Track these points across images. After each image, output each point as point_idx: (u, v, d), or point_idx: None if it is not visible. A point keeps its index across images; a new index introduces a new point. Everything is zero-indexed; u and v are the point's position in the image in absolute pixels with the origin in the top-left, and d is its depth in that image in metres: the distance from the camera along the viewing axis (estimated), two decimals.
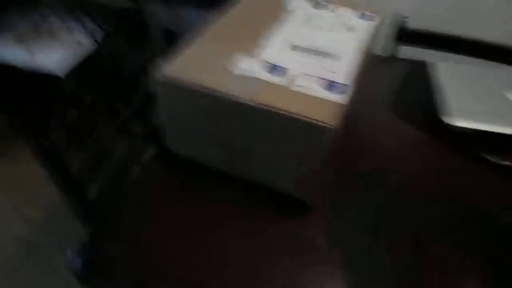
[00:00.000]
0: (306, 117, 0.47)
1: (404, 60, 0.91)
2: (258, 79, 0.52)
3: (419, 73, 0.83)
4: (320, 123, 0.46)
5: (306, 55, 0.58)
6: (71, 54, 1.30)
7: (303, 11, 0.70)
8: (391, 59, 0.96)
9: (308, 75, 0.54)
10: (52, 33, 1.40)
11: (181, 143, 0.62)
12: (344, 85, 0.52)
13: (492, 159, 0.65)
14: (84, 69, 1.27)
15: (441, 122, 0.69)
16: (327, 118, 0.47)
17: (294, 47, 0.59)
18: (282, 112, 0.47)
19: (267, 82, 0.52)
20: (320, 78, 0.53)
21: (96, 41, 1.35)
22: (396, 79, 0.85)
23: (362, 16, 0.68)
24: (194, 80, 0.51)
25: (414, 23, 0.95)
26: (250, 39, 0.60)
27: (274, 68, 0.54)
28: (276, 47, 0.59)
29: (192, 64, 0.55)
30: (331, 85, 0.52)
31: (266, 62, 0.55)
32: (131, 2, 1.44)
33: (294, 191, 0.57)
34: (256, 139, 0.54)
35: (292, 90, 0.51)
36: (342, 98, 0.50)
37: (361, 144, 0.70)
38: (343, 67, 0.56)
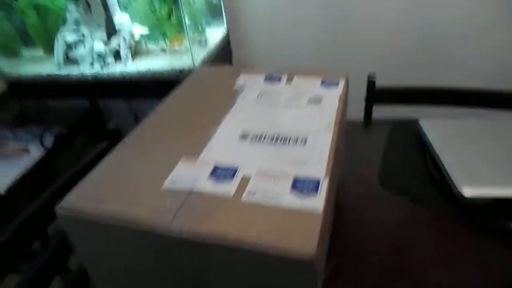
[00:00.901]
0: (272, 248, 0.30)
1: (383, 121, 0.78)
2: (196, 193, 0.37)
3: (405, 135, 0.70)
4: (296, 254, 0.30)
5: (262, 145, 0.43)
6: (15, 167, 1.14)
7: (254, 87, 0.57)
8: (369, 123, 0.83)
9: (267, 174, 0.38)
10: None
11: None
12: (318, 182, 0.37)
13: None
14: (29, 180, 1.11)
15: (449, 194, 0.54)
16: (306, 243, 0.30)
17: (244, 136, 0.45)
18: (234, 244, 0.31)
19: (210, 196, 0.36)
20: (284, 177, 0.38)
21: (46, 148, 1.20)
22: (381, 145, 0.71)
23: (325, 83, 0.56)
24: (102, 209, 0.35)
25: (383, 81, 0.85)
26: (189, 133, 0.46)
27: (217, 173, 0.39)
28: (222, 141, 0.44)
29: (104, 185, 0.39)
30: (301, 185, 0.37)
31: (207, 164, 0.40)
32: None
33: None
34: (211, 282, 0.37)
35: (246, 204, 0.35)
36: (318, 201, 0.34)
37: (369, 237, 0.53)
38: (314, 153, 0.41)
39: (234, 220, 0.33)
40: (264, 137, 0.44)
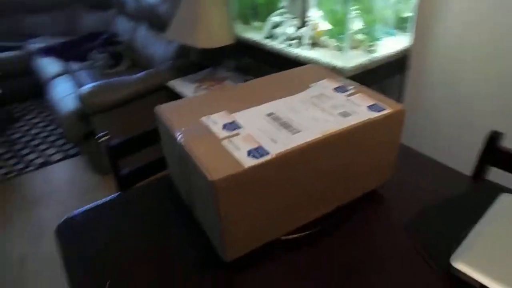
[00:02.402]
0: (203, 168, 0.50)
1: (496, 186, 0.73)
2: (210, 130, 0.58)
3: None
4: (209, 176, 0.49)
5: (271, 123, 0.59)
6: None
7: (321, 89, 0.70)
8: (477, 182, 0.77)
9: (251, 137, 0.56)
10: None
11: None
12: (267, 152, 0.52)
13: None
14: None
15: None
16: (218, 174, 0.48)
17: (270, 114, 0.62)
18: (194, 160, 0.52)
19: (213, 134, 0.57)
20: (255, 142, 0.55)
21: None
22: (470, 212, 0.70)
23: (372, 107, 0.63)
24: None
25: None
26: (247, 101, 0.66)
27: (229, 124, 0.59)
28: (255, 111, 0.63)
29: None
30: (255, 150, 0.53)
31: (231, 119, 0.61)
32: None
33: (217, 246, 0.58)
34: (194, 187, 0.59)
35: (221, 145, 0.55)
36: (252, 162, 0.50)
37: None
38: (289, 140, 0.55)
39: (207, 150, 0.54)
40: (279, 119, 0.60)
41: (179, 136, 0.58)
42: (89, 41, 3.01)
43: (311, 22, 1.25)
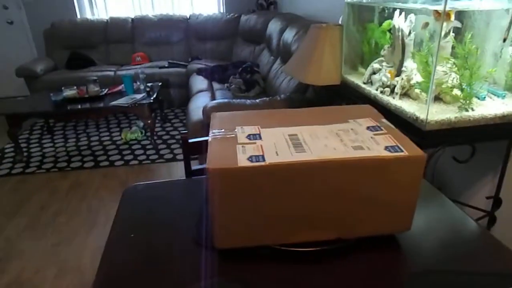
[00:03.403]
0: (208, 158, 0.61)
1: None
2: (235, 135, 0.70)
3: None
4: (207, 164, 0.59)
5: (286, 142, 0.67)
6: None
7: (353, 126, 0.73)
8: None
9: (261, 147, 0.64)
10: None
11: None
12: (263, 160, 0.60)
13: None
14: None
15: None
16: (218, 167, 0.59)
17: (291, 135, 0.69)
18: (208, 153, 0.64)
19: (233, 138, 0.68)
20: (261, 151, 0.63)
21: None
22: None
23: (390, 147, 0.64)
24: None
25: None
26: (284, 122, 0.75)
27: (252, 135, 0.69)
28: (282, 130, 0.71)
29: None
30: (256, 157, 0.61)
31: (256, 132, 0.71)
32: None
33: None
34: None
35: (233, 147, 0.65)
36: (246, 163, 0.59)
37: None
38: (289, 156, 0.61)
39: (221, 148, 0.65)
40: (295, 140, 0.67)
41: (210, 135, 0.70)
42: (234, 67, 3.48)
43: (405, 73, 1.24)
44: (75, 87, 2.99)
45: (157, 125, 3.51)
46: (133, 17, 4.31)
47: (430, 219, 0.76)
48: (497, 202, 1.27)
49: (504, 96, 1.18)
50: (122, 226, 0.76)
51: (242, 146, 0.65)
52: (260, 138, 0.68)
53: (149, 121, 2.94)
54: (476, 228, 0.73)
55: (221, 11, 4.72)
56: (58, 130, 3.48)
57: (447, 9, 1.00)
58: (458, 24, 1.12)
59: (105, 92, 3.05)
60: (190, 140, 1.08)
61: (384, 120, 0.77)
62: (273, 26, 3.38)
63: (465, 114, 1.10)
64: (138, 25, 4.25)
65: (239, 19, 4.33)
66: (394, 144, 0.65)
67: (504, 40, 1.09)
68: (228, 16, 4.37)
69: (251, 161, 0.60)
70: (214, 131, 0.72)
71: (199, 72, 3.70)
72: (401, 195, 0.65)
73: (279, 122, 0.75)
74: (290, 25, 2.93)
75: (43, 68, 3.76)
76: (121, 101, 2.87)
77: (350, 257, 0.66)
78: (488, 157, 1.26)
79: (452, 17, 1.08)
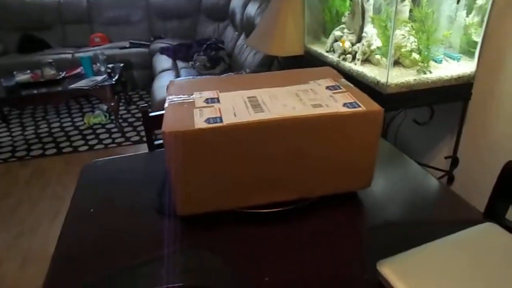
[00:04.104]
0: (163, 123, 0.59)
1: None
2: (192, 100, 0.67)
3: None
4: (163, 128, 0.57)
5: (245, 104, 0.65)
6: None
7: (312, 86, 0.73)
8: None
9: (219, 110, 0.63)
10: None
11: None
12: (221, 121, 0.58)
13: None
14: None
15: None
16: (174, 130, 0.56)
17: (250, 97, 0.68)
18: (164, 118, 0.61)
19: (190, 103, 0.66)
20: (219, 113, 0.61)
21: None
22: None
23: (348, 104, 0.64)
24: None
25: None
26: (244, 86, 0.73)
27: (210, 99, 0.67)
28: (241, 93, 0.69)
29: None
30: (213, 118, 0.59)
31: (214, 96, 0.68)
32: None
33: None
34: None
35: (190, 111, 0.62)
36: (203, 125, 0.57)
37: None
38: (247, 116, 0.60)
39: (178, 113, 0.62)
40: (254, 101, 0.65)
41: (167, 101, 0.67)
42: (198, 45, 3.38)
43: (365, 38, 1.25)
44: (28, 71, 2.82)
45: (122, 107, 3.39)
46: None
47: (392, 177, 0.78)
48: (454, 161, 1.32)
49: (459, 58, 1.22)
50: (81, 201, 0.73)
51: (200, 110, 0.63)
52: (218, 101, 0.66)
53: (112, 104, 2.83)
54: (435, 183, 0.76)
55: None
56: (14, 118, 3.29)
57: None
58: None
59: (62, 75, 2.90)
60: (151, 114, 1.04)
61: (343, 80, 0.76)
62: (236, 1, 3.30)
63: (423, 76, 1.12)
64: (94, 3, 4.03)
65: None
66: (352, 101, 0.65)
67: (458, 1, 1.11)
68: None
69: (209, 122, 0.58)
70: (171, 97, 0.69)
71: (162, 51, 3.57)
72: (360, 151, 0.66)
73: (238, 86, 0.73)
74: None
75: None
76: (81, 84, 2.74)
77: (313, 215, 0.67)
78: (446, 119, 1.31)
79: None
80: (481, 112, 1.18)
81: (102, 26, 4.06)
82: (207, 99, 0.67)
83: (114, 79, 2.84)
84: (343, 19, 1.36)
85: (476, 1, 1.15)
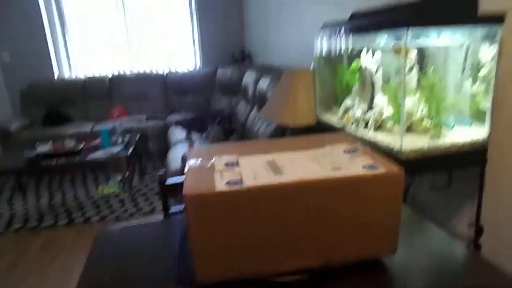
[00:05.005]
0: (184, 186, 0.59)
1: None
2: (212, 164, 0.68)
3: None
4: (184, 191, 0.57)
5: (265, 167, 0.66)
6: None
7: (330, 150, 0.74)
8: None
9: (239, 173, 0.63)
10: None
11: None
12: (241, 183, 0.58)
13: None
14: None
15: None
16: (196, 193, 0.57)
17: (270, 161, 0.68)
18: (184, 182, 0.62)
19: (211, 166, 0.67)
20: (239, 176, 0.61)
21: None
22: None
23: (368, 166, 0.64)
24: None
25: None
26: (263, 151, 0.74)
27: (230, 164, 0.68)
28: (261, 158, 0.70)
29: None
30: (234, 181, 0.60)
31: (234, 160, 0.69)
32: None
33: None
34: None
35: (210, 175, 0.63)
36: (225, 188, 0.57)
37: None
38: (268, 179, 0.60)
39: (198, 176, 0.63)
40: (274, 165, 0.66)
41: (187, 166, 0.68)
42: (212, 118, 3.52)
43: (377, 107, 1.29)
44: (50, 142, 2.93)
45: (135, 178, 3.43)
46: (110, 76, 4.38)
47: (416, 243, 0.74)
48: (479, 230, 1.26)
49: (471, 123, 1.23)
50: (94, 270, 0.70)
51: (220, 173, 0.63)
52: (238, 165, 0.67)
53: (126, 174, 2.87)
54: (462, 249, 0.72)
55: (198, 66, 4.88)
56: (31, 187, 3.34)
57: (405, 45, 1.07)
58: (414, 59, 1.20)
59: (81, 146, 3.00)
60: (168, 182, 1.05)
61: (359, 144, 0.77)
62: (249, 77, 3.50)
63: (437, 142, 1.13)
64: (116, 82, 4.32)
65: (215, 72, 4.47)
66: (372, 163, 0.65)
67: (463, 71, 1.16)
68: (204, 71, 4.52)
69: (229, 185, 0.58)
70: (191, 162, 0.70)
71: (178, 123, 3.71)
72: (383, 214, 0.64)
73: (257, 151, 0.74)
74: (264, 75, 3.05)
75: (17, 126, 3.69)
76: (98, 155, 2.81)
77: (336, 283, 0.63)
78: (466, 184, 1.28)
79: (411, 53, 1.16)
80: (499, 177, 1.16)
81: (121, 100, 4.30)
82: (227, 163, 0.68)
83: (129, 151, 2.92)
84: (354, 89, 1.42)
85: (479, 73, 1.20)
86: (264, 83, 2.91)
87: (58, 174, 3.57)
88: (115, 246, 0.78)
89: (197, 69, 4.64)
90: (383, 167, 0.63)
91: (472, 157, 1.14)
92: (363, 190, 0.61)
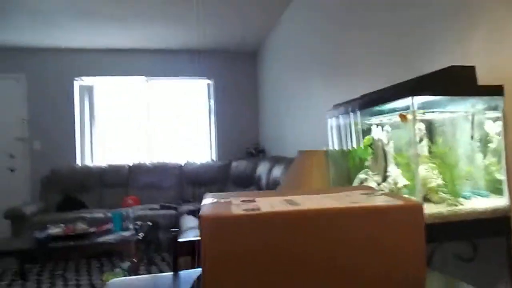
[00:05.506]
0: (201, 213, 0.59)
1: None
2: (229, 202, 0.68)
3: None
4: (201, 214, 0.57)
5: (281, 202, 0.65)
6: None
7: (349, 193, 0.73)
8: None
9: (258, 205, 0.63)
10: None
11: None
12: (258, 209, 0.58)
13: None
14: None
15: None
16: (212, 215, 0.56)
17: (287, 199, 0.68)
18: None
19: (227, 203, 0.67)
20: (256, 205, 0.61)
21: None
22: None
23: (386, 201, 0.63)
24: None
25: None
26: (280, 195, 0.75)
27: (247, 201, 0.68)
28: (278, 198, 0.70)
29: None
30: (252, 208, 0.59)
31: (251, 199, 0.70)
32: None
33: None
34: None
35: (227, 207, 0.63)
36: (241, 212, 0.57)
37: None
38: (285, 208, 0.59)
39: (215, 208, 0.63)
40: (291, 201, 0.66)
41: (203, 202, 0.68)
42: None
43: (390, 178, 1.29)
44: (62, 225, 2.91)
45: (142, 267, 3.28)
46: (130, 164, 4.55)
47: None
48: None
49: (488, 195, 1.21)
50: None
51: (237, 205, 0.63)
52: (255, 201, 0.67)
53: (134, 260, 2.76)
54: None
55: (213, 159, 5.05)
56: (33, 274, 3.20)
57: (408, 113, 1.13)
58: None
59: (93, 230, 2.96)
60: (180, 240, 1.02)
61: (378, 190, 0.77)
62: (262, 167, 3.59)
63: (456, 208, 1.10)
64: (134, 171, 4.45)
65: (230, 165, 4.60)
66: (390, 199, 0.64)
67: (472, 137, 1.19)
68: (219, 163, 4.66)
69: (246, 210, 0.58)
70: (206, 201, 0.70)
71: (190, 212, 3.69)
72: (403, 254, 0.60)
73: (274, 194, 0.74)
74: (277, 164, 3.13)
75: (32, 210, 3.73)
76: (108, 238, 2.76)
77: None
78: (494, 255, 1.20)
79: (418, 122, 1.21)
80: None
81: (136, 189, 4.37)
82: (243, 200, 0.68)
83: (140, 235, 2.87)
84: (366, 164, 1.44)
85: (489, 146, 1.23)
86: (277, 171, 2.97)
87: (66, 258, 3.44)
88: None
89: (212, 161, 4.80)
90: (401, 201, 0.62)
91: (495, 226, 1.09)
92: (382, 221, 0.59)
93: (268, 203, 0.64)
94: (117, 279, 0.80)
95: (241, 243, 0.56)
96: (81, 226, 2.90)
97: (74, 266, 3.35)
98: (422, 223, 0.61)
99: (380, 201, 0.63)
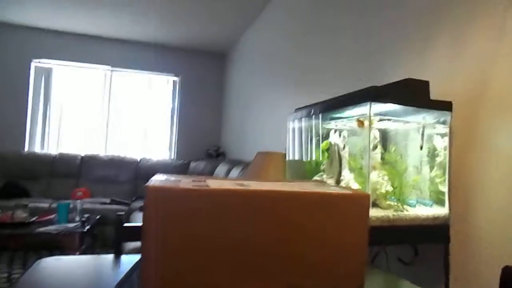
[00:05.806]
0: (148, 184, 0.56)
1: None
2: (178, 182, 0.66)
3: None
4: (148, 185, 0.54)
5: (234, 183, 0.64)
6: None
7: (299, 183, 0.74)
8: None
9: (208, 184, 0.61)
10: None
11: None
12: (207, 185, 0.56)
13: None
14: None
15: None
16: (159, 186, 0.54)
17: (239, 183, 0.67)
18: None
19: (177, 182, 0.65)
20: (205, 184, 0.59)
21: None
22: None
23: (336, 188, 0.64)
24: None
25: None
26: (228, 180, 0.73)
27: (197, 181, 0.66)
28: (230, 181, 0.69)
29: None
30: (200, 184, 0.57)
31: (202, 180, 0.68)
32: None
33: None
34: None
35: (178, 182, 0.61)
36: (189, 186, 0.55)
37: None
38: (239, 188, 0.58)
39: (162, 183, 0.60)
40: (242, 184, 0.65)
41: (152, 179, 0.66)
42: None
43: (343, 182, 1.32)
44: None
45: None
46: (83, 155, 4.33)
47: None
48: None
49: (432, 205, 1.27)
50: None
51: (186, 183, 0.61)
52: (205, 182, 0.65)
53: (77, 254, 2.61)
54: None
55: (172, 158, 4.94)
56: None
57: (364, 119, 1.17)
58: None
59: (33, 219, 2.77)
60: (126, 224, 0.97)
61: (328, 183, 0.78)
62: (220, 169, 3.56)
63: (402, 213, 1.14)
64: (87, 162, 4.25)
65: (188, 165, 4.52)
66: (339, 189, 0.65)
67: (421, 148, 1.25)
68: (178, 162, 4.56)
69: (195, 185, 0.56)
70: (156, 177, 0.67)
71: (142, 209, 3.57)
72: (349, 240, 0.61)
73: (227, 179, 0.73)
74: (235, 166, 3.12)
75: None
76: (50, 229, 2.59)
77: None
78: (432, 260, 1.25)
79: (375, 129, 1.26)
80: (462, 257, 1.15)
81: (88, 182, 4.16)
82: (194, 180, 0.66)
83: (85, 228, 2.72)
84: (322, 167, 1.47)
85: (436, 159, 1.30)
86: (235, 173, 2.96)
87: (3, 246, 3.19)
88: (54, 273, 0.69)
89: (171, 160, 4.69)
90: (350, 190, 0.63)
91: (435, 233, 1.14)
92: (330, 207, 0.60)
93: (218, 183, 0.62)
94: (52, 257, 0.75)
95: (186, 217, 0.54)
96: (20, 215, 2.71)
97: (8, 257, 3.11)
98: (367, 213, 0.62)
99: (330, 190, 0.64)
